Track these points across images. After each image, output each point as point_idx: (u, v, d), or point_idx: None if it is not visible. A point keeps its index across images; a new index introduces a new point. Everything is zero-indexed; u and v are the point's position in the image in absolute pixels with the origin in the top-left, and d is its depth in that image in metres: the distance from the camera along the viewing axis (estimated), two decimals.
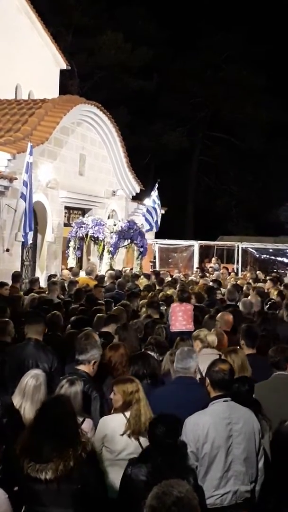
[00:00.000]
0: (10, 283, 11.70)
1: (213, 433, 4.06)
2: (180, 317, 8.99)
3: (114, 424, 4.27)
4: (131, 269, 16.43)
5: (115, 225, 15.07)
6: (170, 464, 3.54)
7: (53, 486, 3.21)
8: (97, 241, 15.15)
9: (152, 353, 5.86)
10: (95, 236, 14.88)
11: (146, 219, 18.79)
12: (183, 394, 4.60)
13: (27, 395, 4.56)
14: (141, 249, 16.28)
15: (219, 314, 7.81)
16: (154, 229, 19.64)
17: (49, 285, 10.25)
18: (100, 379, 5.22)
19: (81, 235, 15.03)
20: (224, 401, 4.19)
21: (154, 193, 19.29)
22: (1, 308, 7.41)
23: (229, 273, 18.60)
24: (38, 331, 5.95)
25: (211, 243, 24.70)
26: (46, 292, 10.26)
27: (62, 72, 23.22)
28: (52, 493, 3.23)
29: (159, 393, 4.86)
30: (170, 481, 2.56)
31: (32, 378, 4.61)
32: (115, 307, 8.42)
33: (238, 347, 5.84)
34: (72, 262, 15.04)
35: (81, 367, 4.93)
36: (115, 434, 4.21)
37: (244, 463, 4.11)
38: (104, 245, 14.92)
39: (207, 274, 17.75)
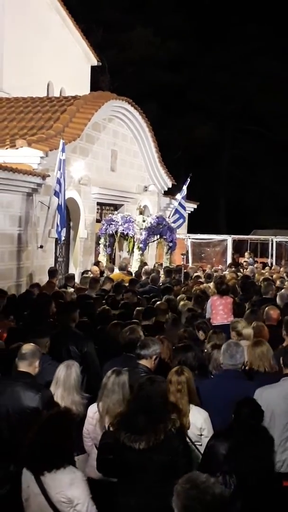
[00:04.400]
0: (43, 278, 11.92)
1: (273, 405, 4.42)
2: (220, 311, 9.05)
3: None
4: (161, 264, 16.42)
5: (144, 221, 15.04)
6: (251, 442, 3.88)
7: (145, 456, 3.55)
8: (127, 238, 15.17)
9: None
10: (125, 233, 14.89)
11: (178, 213, 18.72)
12: (230, 386, 4.72)
13: (59, 381, 4.80)
14: (170, 244, 16.23)
15: (266, 309, 7.79)
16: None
17: (91, 283, 10.32)
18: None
19: (111, 232, 15.05)
20: None
21: (184, 187, 19.18)
22: (47, 301, 8.07)
23: (264, 267, 18.39)
24: (71, 319, 6.53)
25: (245, 237, 24.44)
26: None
27: (93, 68, 23.30)
28: (143, 463, 3.56)
29: (207, 385, 5.04)
30: (204, 482, 2.59)
31: (64, 366, 4.87)
32: (159, 302, 8.51)
33: (262, 339, 5.92)
34: (102, 259, 15.07)
35: (143, 362, 5.04)
36: None
37: None
38: (134, 242, 14.93)
39: (241, 269, 17.60)
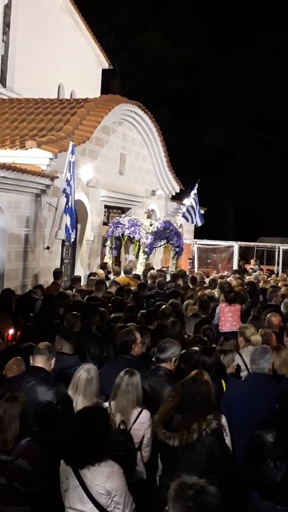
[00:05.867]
0: (49, 280, 11.92)
1: None
2: (229, 318, 9.10)
3: None
4: (167, 267, 16.42)
5: (151, 225, 15.05)
6: None
7: (179, 453, 3.79)
8: (133, 241, 15.18)
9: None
10: (131, 236, 14.91)
11: (185, 218, 18.90)
12: (257, 389, 4.83)
13: (80, 388, 4.80)
14: (177, 249, 16.23)
15: (267, 316, 7.81)
16: (200, 222, 19.80)
17: (97, 285, 10.37)
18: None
19: (117, 234, 15.07)
20: None
21: (193, 192, 19.24)
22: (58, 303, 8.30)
23: (270, 275, 18.33)
24: (93, 322, 6.81)
25: (251, 244, 24.39)
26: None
27: (104, 71, 23.36)
28: (179, 459, 3.79)
29: (235, 386, 5.18)
30: (196, 483, 2.63)
31: (84, 372, 4.87)
32: (164, 306, 8.53)
33: (281, 345, 6.05)
34: (108, 261, 15.08)
35: (163, 365, 5.20)
36: None
37: None
38: (139, 245, 14.95)
39: (246, 276, 17.54)
